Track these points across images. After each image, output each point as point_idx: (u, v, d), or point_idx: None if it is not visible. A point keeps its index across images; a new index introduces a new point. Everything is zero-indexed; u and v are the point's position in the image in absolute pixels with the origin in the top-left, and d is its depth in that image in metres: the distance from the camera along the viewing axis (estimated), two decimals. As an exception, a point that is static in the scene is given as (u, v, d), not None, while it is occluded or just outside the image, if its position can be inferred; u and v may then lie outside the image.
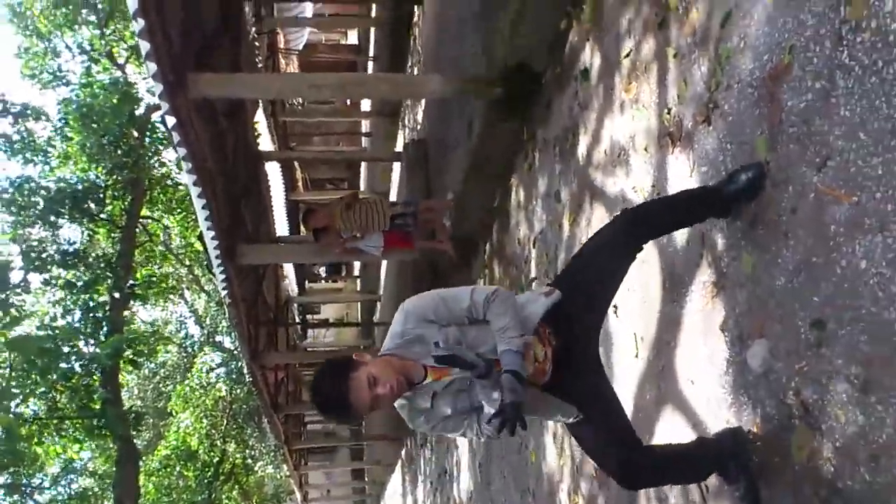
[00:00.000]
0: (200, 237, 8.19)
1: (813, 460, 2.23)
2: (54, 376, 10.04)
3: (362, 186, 18.81)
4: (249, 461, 20.55)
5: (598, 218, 4.12)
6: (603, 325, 2.79)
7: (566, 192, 4.69)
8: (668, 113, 3.25)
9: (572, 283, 2.53)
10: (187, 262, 19.61)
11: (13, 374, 9.87)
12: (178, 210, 14.48)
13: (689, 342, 3.04)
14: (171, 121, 5.15)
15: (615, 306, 3.81)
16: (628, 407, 3.57)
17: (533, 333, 2.35)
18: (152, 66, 4.66)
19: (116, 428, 10.80)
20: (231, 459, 18.81)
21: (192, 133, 5.59)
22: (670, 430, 3.14)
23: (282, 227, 14.16)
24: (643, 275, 3.44)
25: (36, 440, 11.36)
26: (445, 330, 2.29)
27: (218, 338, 23.97)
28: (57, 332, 10.82)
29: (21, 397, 10.37)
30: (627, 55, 3.77)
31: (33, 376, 9.97)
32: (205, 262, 13.31)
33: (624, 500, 3.63)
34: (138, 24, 4.35)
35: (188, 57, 5.74)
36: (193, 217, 11.63)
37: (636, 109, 3.61)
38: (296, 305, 16.90)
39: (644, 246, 2.60)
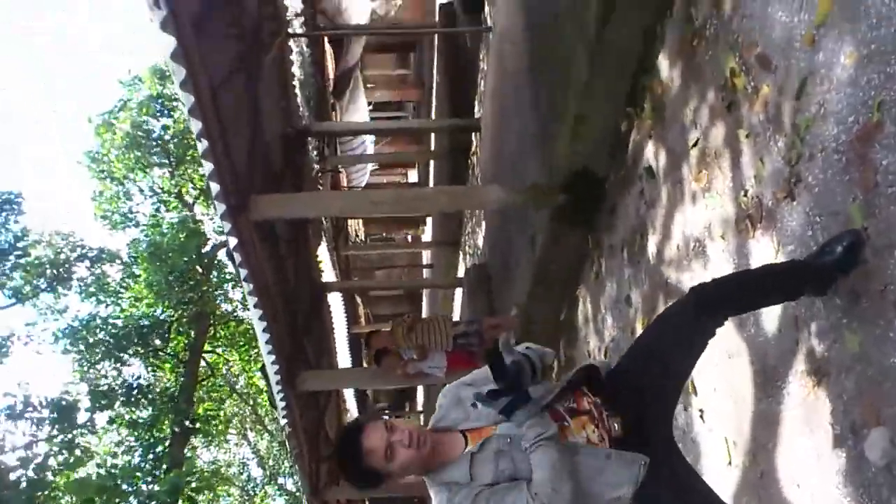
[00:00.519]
0: (262, 369, 8.11)
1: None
2: (114, 512, 9.85)
3: (424, 312, 18.76)
4: None
5: (673, 318, 3.86)
6: (688, 431, 2.49)
7: (637, 295, 4.47)
8: (745, 195, 3.07)
9: (637, 361, 2.27)
10: (250, 402, 19.57)
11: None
12: (242, 344, 14.60)
13: (791, 442, 2.71)
14: (233, 241, 5.20)
15: (701, 410, 3.50)
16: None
17: (578, 414, 2.08)
18: (215, 187, 4.74)
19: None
20: None
21: (253, 255, 5.62)
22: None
23: (344, 360, 14.07)
24: (731, 371, 3.15)
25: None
26: (482, 387, 2.05)
27: (280, 480, 23.50)
28: (118, 471, 10.71)
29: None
30: (695, 144, 3.65)
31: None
32: (267, 397, 13.22)
33: None
34: (202, 145, 4.46)
35: (251, 180, 5.87)
36: (256, 351, 11.63)
37: (709, 198, 3.44)
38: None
39: (718, 328, 2.30)
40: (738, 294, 2.35)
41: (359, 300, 16.73)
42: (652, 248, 4.22)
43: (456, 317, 14.39)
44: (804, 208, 2.63)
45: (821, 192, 2.53)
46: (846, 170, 2.39)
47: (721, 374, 3.28)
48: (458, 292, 11.33)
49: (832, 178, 2.46)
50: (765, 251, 2.89)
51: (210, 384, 14.99)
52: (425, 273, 19.51)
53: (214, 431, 15.93)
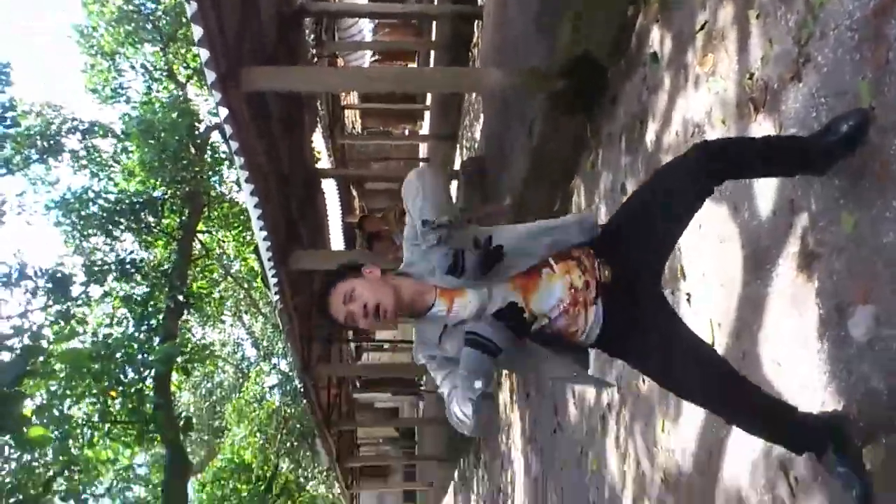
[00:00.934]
0: (256, 250, 8.14)
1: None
2: (107, 381, 10.09)
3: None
4: (302, 480, 20.42)
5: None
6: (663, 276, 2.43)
7: (632, 184, 4.44)
8: (751, 78, 2.99)
9: (631, 213, 2.25)
10: (244, 285, 19.79)
11: (65, 381, 9.93)
12: (236, 225, 14.63)
13: (776, 323, 2.74)
14: (223, 112, 5.08)
15: (688, 294, 3.54)
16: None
17: (565, 258, 2.08)
18: (205, 53, 4.58)
19: (166, 433, 10.79)
20: (284, 476, 18.74)
21: (244, 128, 5.51)
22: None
23: (337, 245, 14.15)
24: (722, 256, 3.16)
25: (87, 444, 11.42)
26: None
27: (274, 360, 24.11)
28: (111, 340, 10.91)
29: (73, 400, 10.45)
30: (702, 28, 3.54)
31: (86, 381, 10.03)
32: (261, 278, 13.34)
33: (698, 495, 3.31)
34: (191, 8, 4.27)
35: (242, 53, 5.69)
36: (251, 234, 11.65)
37: (713, 82, 3.36)
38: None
39: (716, 187, 2.24)
40: (742, 155, 2.25)
41: (354, 192, 16.67)
42: (651, 135, 4.16)
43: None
44: (810, 89, 2.56)
45: (829, 72, 2.46)
46: (858, 48, 2.31)
47: (711, 258, 3.30)
48: (454, 185, 11.27)
49: (842, 57, 2.38)
50: (767, 133, 2.84)
51: (204, 264, 15.12)
52: (421, 166, 19.36)
53: (209, 310, 16.19)
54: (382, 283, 2.07)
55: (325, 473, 20.59)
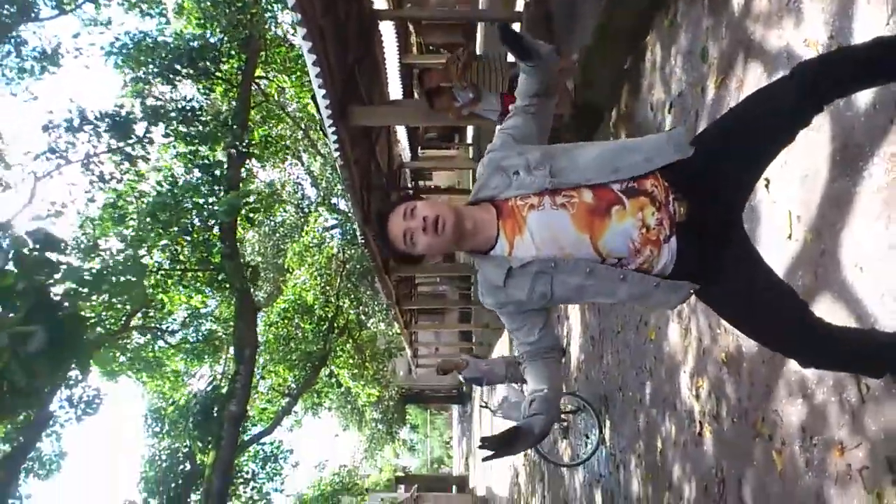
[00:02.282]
0: (314, 98, 8.03)
1: None
2: (175, 230, 10.43)
3: (478, 52, 18.09)
4: (363, 318, 21.32)
5: (752, 78, 3.59)
6: (749, 197, 2.29)
7: (715, 49, 4.13)
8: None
9: (713, 143, 2.02)
10: (303, 126, 19.75)
11: (138, 227, 10.33)
12: (294, 71, 14.37)
13: (862, 225, 2.60)
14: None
15: (766, 179, 3.35)
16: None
17: (637, 193, 1.92)
18: None
19: (234, 281, 11.25)
20: (345, 315, 19.55)
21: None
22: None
23: (395, 91, 13.86)
24: (809, 145, 2.95)
25: (161, 289, 12.05)
26: (527, 154, 2.01)
27: (333, 200, 24.47)
28: (177, 188, 11.15)
29: (146, 248, 10.91)
30: None
31: (156, 229, 10.40)
32: (319, 126, 13.26)
33: (759, 389, 3.32)
34: None
35: None
36: (309, 79, 11.51)
37: (817, -56, 3.00)
38: (408, 171, 16.84)
39: (820, 112, 2.02)
40: (847, 72, 2.01)
41: (411, 28, 16.07)
42: (740, -2, 3.81)
43: (511, 56, 13.83)
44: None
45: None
46: None
47: (796, 146, 3.09)
48: (517, 27, 10.71)
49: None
50: (874, 16, 2.56)
51: (265, 108, 15.04)
52: (481, 3, 18.44)
53: (270, 155, 16.29)
54: (444, 204, 2.01)
55: (385, 312, 21.41)
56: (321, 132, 13.82)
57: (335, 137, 7.20)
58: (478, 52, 7.33)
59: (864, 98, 2.62)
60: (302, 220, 24.48)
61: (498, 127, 2.16)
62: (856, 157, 2.65)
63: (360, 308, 20.93)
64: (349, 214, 21.99)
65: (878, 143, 2.52)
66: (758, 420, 3.30)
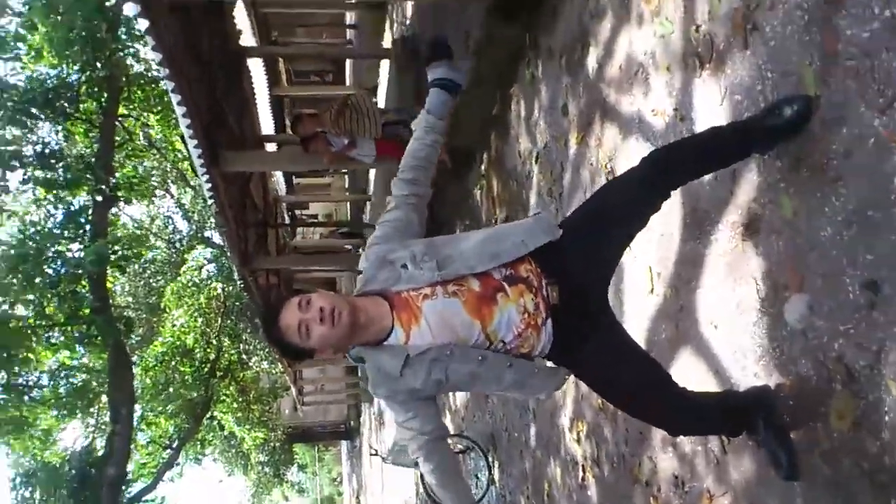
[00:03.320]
0: (184, 140, 7.81)
1: (856, 431, 2.06)
2: (40, 281, 9.81)
3: (348, 82, 18.14)
4: (244, 357, 20.75)
5: (609, 138, 3.83)
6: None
7: (574, 107, 4.37)
8: (697, 31, 2.91)
9: (581, 225, 2.23)
10: (170, 159, 19.10)
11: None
12: (158, 108, 13.90)
13: (714, 285, 2.83)
14: (133, 9, 4.73)
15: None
16: (640, 342, 3.41)
17: (516, 281, 2.07)
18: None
19: (107, 335, 10.68)
20: (227, 355, 18.98)
21: (164, 32, 5.16)
22: (686, 375, 2.97)
23: (267, 125, 13.68)
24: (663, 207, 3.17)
25: (26, 344, 11.28)
26: (412, 248, 2.10)
27: (207, 233, 23.73)
28: (39, 236, 10.51)
29: (8, 303, 10.21)
30: (649, -40, 3.38)
31: (20, 283, 9.76)
32: (189, 162, 12.85)
33: (634, 435, 3.52)
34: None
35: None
36: (175, 115, 11.16)
37: (658, 24, 3.26)
38: (284, 204, 16.62)
39: (667, 198, 2.29)
40: (692, 159, 2.29)
41: (281, 63, 15.91)
42: (592, 62, 4.06)
43: (382, 89, 13.97)
44: (757, 60, 2.51)
45: (776, 47, 2.41)
46: (807, 29, 2.25)
47: (652, 206, 3.33)
48: (385, 64, 10.86)
49: (790, 35, 2.33)
50: (710, 94, 2.81)
51: (129, 148, 14.44)
52: (349, 33, 18.53)
53: (137, 194, 15.61)
54: (340, 295, 2.05)
55: (266, 350, 20.93)
56: (191, 170, 13.45)
57: (209, 185, 7.05)
58: (350, 93, 7.44)
59: (707, 169, 2.85)
60: (175, 255, 23.60)
61: (378, 221, 2.23)
62: (703, 221, 2.89)
63: (242, 346, 20.37)
64: (224, 249, 21.42)
65: (721, 211, 2.76)
66: (635, 466, 3.49)
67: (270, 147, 12.01)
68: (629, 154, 3.56)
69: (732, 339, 2.68)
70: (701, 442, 2.87)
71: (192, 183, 22.14)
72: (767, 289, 2.47)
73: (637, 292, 3.49)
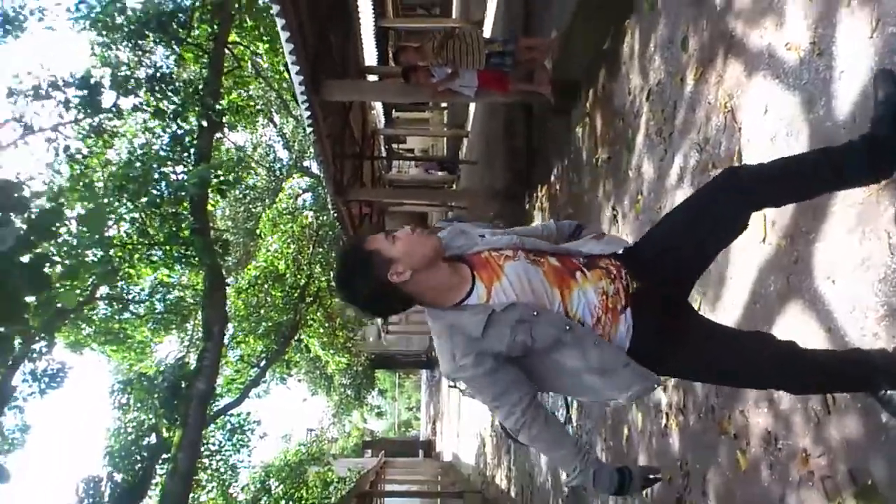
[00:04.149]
0: (287, 68, 7.87)
1: None
2: (144, 201, 10.18)
3: (455, 14, 17.83)
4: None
5: (732, 75, 3.56)
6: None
7: (695, 41, 4.08)
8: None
9: (660, 239, 2.16)
10: (276, 87, 19.38)
11: (105, 199, 10.03)
12: (268, 38, 14.04)
13: (836, 238, 2.60)
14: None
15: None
16: (746, 294, 3.22)
17: (594, 266, 2.06)
18: None
19: (204, 257, 11.04)
20: (317, 282, 19.43)
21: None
22: (794, 330, 2.77)
23: (370, 56, 13.66)
24: (786, 149, 2.94)
25: (128, 264, 11.82)
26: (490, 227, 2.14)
27: (305, 162, 24.19)
28: (145, 157, 10.87)
29: (113, 220, 10.65)
30: None
31: (124, 202, 10.16)
32: (293, 97, 12.98)
33: (726, 390, 3.35)
34: None
35: None
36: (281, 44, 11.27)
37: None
38: (382, 137, 16.69)
39: (753, 214, 2.10)
40: (778, 190, 2.10)
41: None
42: (722, -12, 3.76)
43: (489, 20, 13.67)
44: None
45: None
46: None
47: (773, 148, 3.09)
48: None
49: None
50: (858, 25, 2.53)
51: (237, 76, 14.69)
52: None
53: (242, 119, 15.93)
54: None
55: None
56: (292, 96, 13.59)
57: (308, 113, 7.09)
58: (454, 28, 7.29)
59: (843, 106, 2.60)
60: (273, 183, 24.18)
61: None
62: (833, 167, 2.64)
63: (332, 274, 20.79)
64: (321, 178, 21.76)
65: (855, 155, 2.51)
66: (724, 419, 3.33)
67: (372, 78, 12.00)
68: (755, 94, 3.30)
69: (852, 295, 2.47)
70: (803, 400, 2.69)
71: (294, 113, 22.55)
72: (900, 244, 2.25)
73: (747, 241, 3.26)
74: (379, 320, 24.75)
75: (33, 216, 3.58)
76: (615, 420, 5.16)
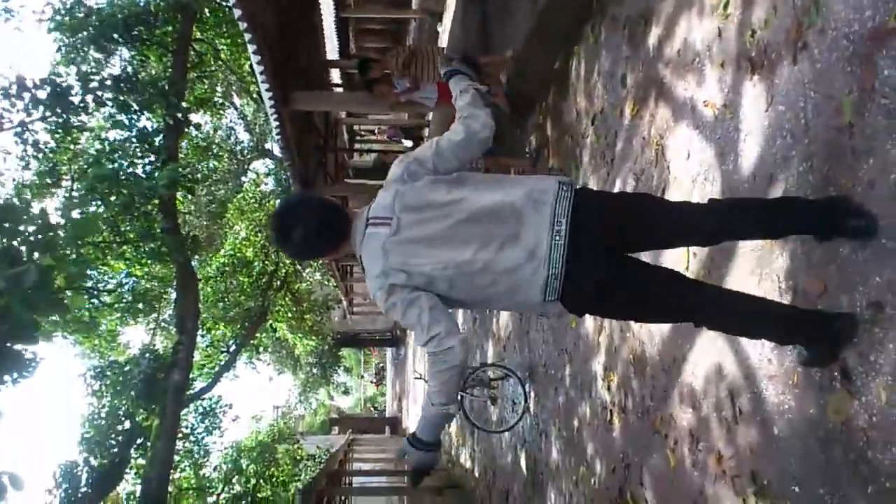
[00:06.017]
0: (252, 70, 8.12)
1: (847, 426, 2.36)
2: (116, 201, 10.35)
3: (414, 5, 18.06)
4: (300, 268, 21.51)
5: (662, 117, 4.04)
6: None
7: (631, 79, 4.56)
8: (752, 35, 3.10)
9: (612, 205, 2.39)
10: (237, 72, 19.40)
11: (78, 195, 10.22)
12: (228, 31, 14.15)
13: (741, 276, 3.09)
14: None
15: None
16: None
17: None
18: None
19: (176, 254, 11.33)
20: (283, 268, 19.71)
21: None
22: (705, 353, 3.27)
23: (332, 51, 13.91)
24: (704, 192, 3.42)
25: (101, 261, 12.03)
26: None
27: (268, 145, 24.26)
28: (116, 154, 11.05)
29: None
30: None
31: (96, 203, 10.34)
32: (254, 88, 13.13)
33: (658, 392, 3.86)
34: None
35: None
36: (243, 38, 11.42)
37: (719, 17, 3.43)
38: (344, 126, 16.93)
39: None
40: (748, 231, 2.47)
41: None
42: (653, 39, 4.23)
43: (445, 36, 14.00)
44: (803, 77, 2.71)
45: (822, 70, 2.60)
46: (850, 61, 2.45)
47: (692, 191, 3.57)
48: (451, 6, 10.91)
49: (835, 63, 2.53)
50: (758, 99, 3.01)
51: (201, 70, 14.80)
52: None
53: (206, 110, 16.02)
54: None
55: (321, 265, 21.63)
56: (254, 80, 13.76)
57: (277, 123, 7.42)
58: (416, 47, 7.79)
59: (746, 166, 3.09)
60: (237, 166, 24.20)
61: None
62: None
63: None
64: (283, 162, 21.84)
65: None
66: (657, 419, 3.85)
67: (334, 72, 12.28)
68: (680, 138, 3.78)
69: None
70: (717, 408, 3.21)
71: (255, 97, 22.54)
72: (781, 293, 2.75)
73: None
74: (344, 302, 25.18)
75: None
76: (566, 412, 5.68)
